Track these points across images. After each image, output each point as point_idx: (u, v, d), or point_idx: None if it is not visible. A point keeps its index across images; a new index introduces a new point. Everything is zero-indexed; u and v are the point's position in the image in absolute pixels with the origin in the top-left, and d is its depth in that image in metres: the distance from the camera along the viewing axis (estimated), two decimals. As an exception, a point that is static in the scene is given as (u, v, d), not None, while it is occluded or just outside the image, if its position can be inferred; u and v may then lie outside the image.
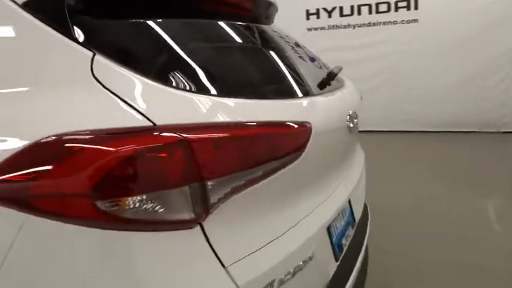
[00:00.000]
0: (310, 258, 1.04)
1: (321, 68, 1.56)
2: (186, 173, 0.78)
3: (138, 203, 0.74)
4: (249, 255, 0.88)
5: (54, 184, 0.73)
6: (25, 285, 0.75)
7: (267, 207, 0.96)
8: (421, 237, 2.73)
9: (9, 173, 0.74)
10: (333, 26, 6.05)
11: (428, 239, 2.70)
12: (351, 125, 1.34)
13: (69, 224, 0.72)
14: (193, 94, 0.87)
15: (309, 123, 1.04)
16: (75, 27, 0.86)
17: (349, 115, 1.34)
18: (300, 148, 1.00)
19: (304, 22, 6.17)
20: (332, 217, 1.26)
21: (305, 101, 1.13)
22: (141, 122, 0.77)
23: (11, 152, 0.74)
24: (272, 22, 1.61)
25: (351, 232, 1.50)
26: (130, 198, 0.74)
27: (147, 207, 0.75)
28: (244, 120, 0.90)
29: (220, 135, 0.83)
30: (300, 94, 1.14)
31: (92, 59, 0.84)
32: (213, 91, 0.92)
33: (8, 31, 0.88)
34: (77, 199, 0.72)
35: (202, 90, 0.90)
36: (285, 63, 1.23)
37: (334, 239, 1.34)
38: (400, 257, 2.50)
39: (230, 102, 0.91)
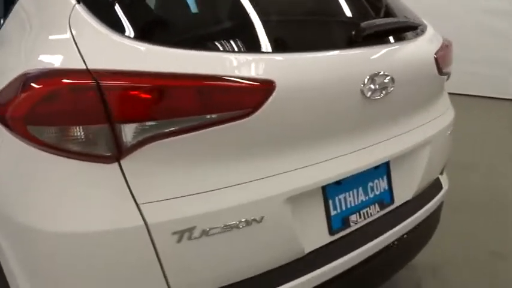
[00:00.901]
0: (257, 221, 1.00)
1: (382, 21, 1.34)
2: (97, 113, 0.85)
3: (58, 133, 0.87)
4: (170, 199, 0.92)
5: (12, 110, 0.92)
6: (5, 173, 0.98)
7: (205, 159, 0.95)
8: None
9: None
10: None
11: None
12: (372, 87, 1.14)
13: (20, 142, 0.92)
14: (136, 42, 0.91)
15: (271, 81, 0.96)
16: None
17: (371, 78, 1.14)
18: (250, 106, 0.95)
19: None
20: (325, 184, 1.16)
21: (281, 57, 1.01)
22: (77, 64, 0.88)
23: (4, 84, 0.97)
24: None
25: (374, 212, 1.33)
26: (51, 128, 0.87)
27: (65, 138, 0.87)
28: (185, 71, 0.91)
29: (139, 84, 0.87)
30: (279, 49, 1.03)
31: (73, 7, 0.98)
32: (162, 40, 0.93)
33: None
34: (19, 122, 0.90)
35: (148, 38, 0.93)
36: (281, 13, 1.11)
37: (335, 211, 1.23)
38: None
39: (175, 52, 0.92)
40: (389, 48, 1.26)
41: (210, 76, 0.92)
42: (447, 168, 1.77)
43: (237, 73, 0.95)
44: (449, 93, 1.72)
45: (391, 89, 1.20)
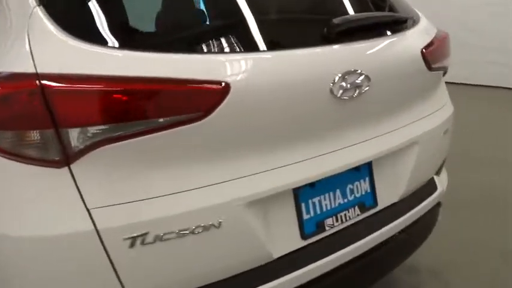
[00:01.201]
0: (215, 226, 0.98)
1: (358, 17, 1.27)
2: (43, 118, 0.84)
3: (12, 138, 0.87)
4: (121, 204, 0.91)
5: None
6: None
7: (157, 163, 0.93)
8: None
9: None
10: None
11: None
12: (343, 85, 1.08)
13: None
14: (89, 45, 0.90)
15: (225, 83, 0.93)
16: None
17: (342, 76, 1.08)
18: (202, 109, 0.92)
19: None
20: (295, 187, 1.12)
21: (237, 58, 0.97)
22: (28, 68, 0.88)
23: None
24: None
25: (354, 215, 1.28)
26: (5, 133, 0.87)
27: (18, 143, 0.87)
28: (133, 74, 0.89)
29: (84, 87, 0.85)
30: (236, 49, 0.98)
31: (33, 10, 0.97)
32: (115, 43, 0.92)
33: None
34: None
35: (101, 41, 0.91)
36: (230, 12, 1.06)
37: (308, 215, 1.19)
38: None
39: (126, 54, 0.90)
40: (367, 45, 1.20)
41: (159, 79, 0.89)
42: (448, 163, 1.69)
43: (188, 75, 0.91)
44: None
45: (366, 88, 1.14)
